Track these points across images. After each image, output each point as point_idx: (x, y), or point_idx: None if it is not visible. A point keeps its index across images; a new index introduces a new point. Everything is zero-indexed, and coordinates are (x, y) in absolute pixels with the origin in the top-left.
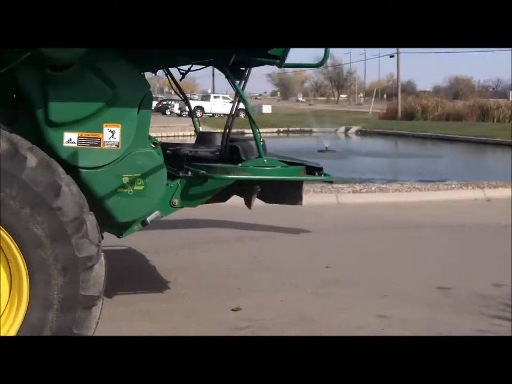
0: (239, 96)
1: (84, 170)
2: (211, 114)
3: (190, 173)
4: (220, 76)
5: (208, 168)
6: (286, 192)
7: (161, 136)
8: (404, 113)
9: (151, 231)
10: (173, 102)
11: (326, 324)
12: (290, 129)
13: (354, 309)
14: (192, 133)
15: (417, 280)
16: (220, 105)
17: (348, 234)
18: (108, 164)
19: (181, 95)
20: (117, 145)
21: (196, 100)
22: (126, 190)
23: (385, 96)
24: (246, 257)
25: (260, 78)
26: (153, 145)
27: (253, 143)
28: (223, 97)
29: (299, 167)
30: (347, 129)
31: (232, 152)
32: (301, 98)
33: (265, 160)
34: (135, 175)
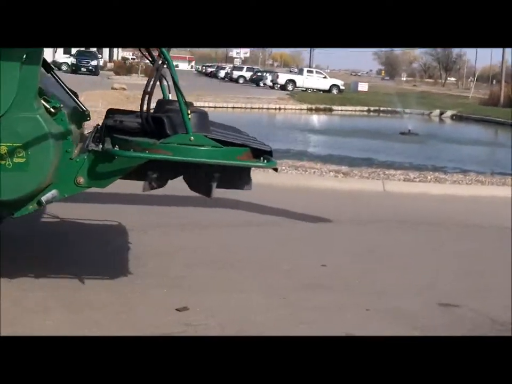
0: (162, 57)
1: None
2: (304, 89)
3: (99, 147)
4: (322, 52)
5: (123, 142)
6: (228, 176)
7: (245, 108)
8: (507, 99)
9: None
10: (266, 74)
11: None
12: (382, 108)
13: (318, 325)
14: (277, 106)
15: (419, 293)
16: (313, 80)
17: (366, 228)
18: None
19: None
20: None
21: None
22: (4, 162)
23: (494, 81)
24: (234, 245)
25: (367, 56)
26: (52, 110)
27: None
28: (317, 72)
29: (237, 149)
30: (441, 113)
31: (157, 124)
32: (404, 78)
33: (191, 138)
34: (14, 144)
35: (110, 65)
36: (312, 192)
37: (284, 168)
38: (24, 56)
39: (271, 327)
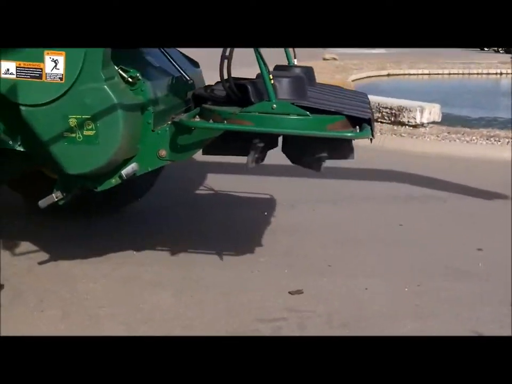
0: None
1: (24, 108)
2: None
3: (178, 117)
4: None
5: (206, 112)
6: (330, 144)
7: (463, 74)
8: None
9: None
10: None
11: None
12: None
13: (444, 320)
14: (498, 71)
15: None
16: None
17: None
18: (51, 101)
19: None
20: (61, 78)
21: None
22: (73, 135)
23: None
24: (382, 222)
25: None
26: (130, 79)
27: (276, 81)
28: None
29: (328, 117)
30: None
31: (242, 92)
32: None
33: (274, 105)
34: (83, 116)
35: None
36: (495, 164)
37: (474, 138)
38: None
39: (383, 320)
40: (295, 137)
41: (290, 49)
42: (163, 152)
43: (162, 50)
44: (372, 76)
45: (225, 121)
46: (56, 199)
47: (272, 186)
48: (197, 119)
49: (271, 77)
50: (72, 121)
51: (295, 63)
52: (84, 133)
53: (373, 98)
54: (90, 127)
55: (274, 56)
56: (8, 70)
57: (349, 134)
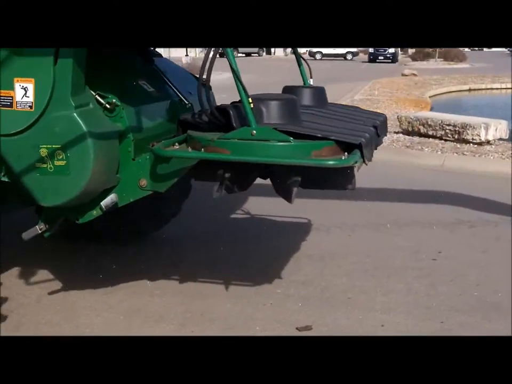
0: None
1: None
2: None
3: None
4: None
5: (188, 138)
6: (327, 175)
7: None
8: None
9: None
10: None
11: None
12: None
13: None
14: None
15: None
16: None
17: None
18: (22, 131)
19: None
20: (30, 107)
21: None
22: (45, 166)
23: None
24: (422, 248)
25: None
26: (107, 106)
27: (262, 105)
28: None
29: (314, 143)
30: None
31: (224, 117)
32: None
33: (253, 132)
34: (54, 146)
35: (411, 51)
36: None
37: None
38: (56, 49)
39: None
40: (271, 166)
41: (307, 69)
42: (143, 182)
43: (162, 73)
44: (453, 91)
45: (203, 149)
46: (40, 231)
47: (313, 209)
48: (176, 146)
49: (251, 101)
50: (43, 151)
51: (311, 83)
52: (55, 163)
53: (436, 115)
54: (61, 157)
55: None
56: None
57: (330, 162)
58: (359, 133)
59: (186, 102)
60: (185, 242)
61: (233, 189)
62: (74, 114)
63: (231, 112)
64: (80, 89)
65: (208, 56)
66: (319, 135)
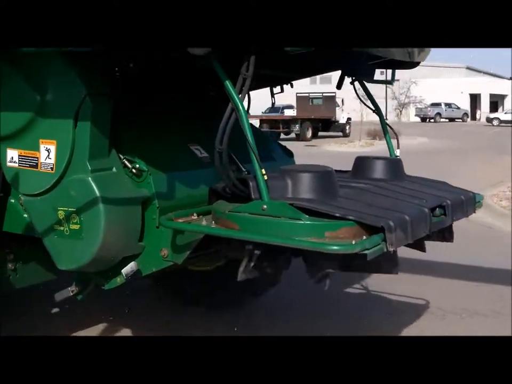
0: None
1: (23, 198)
2: None
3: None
4: None
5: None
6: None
7: None
8: None
9: None
10: None
11: None
12: None
13: None
14: None
15: None
16: None
17: None
18: (44, 192)
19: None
20: (52, 168)
21: None
22: (62, 228)
23: None
24: None
25: None
26: (134, 171)
27: (288, 177)
28: None
29: (330, 222)
30: None
31: (245, 187)
32: None
33: (264, 206)
34: (70, 209)
35: None
36: None
37: None
38: (76, 112)
39: None
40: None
41: (394, 141)
42: (164, 252)
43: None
44: None
45: (213, 222)
46: (71, 293)
47: (434, 289)
48: (193, 217)
49: (264, 172)
50: (61, 214)
51: (398, 153)
52: (71, 227)
53: None
54: (75, 220)
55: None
56: (12, 158)
57: (333, 247)
58: (394, 214)
59: (244, 170)
60: (279, 313)
61: (265, 269)
62: (89, 178)
63: (251, 183)
64: (101, 153)
65: (228, 120)
66: (336, 214)
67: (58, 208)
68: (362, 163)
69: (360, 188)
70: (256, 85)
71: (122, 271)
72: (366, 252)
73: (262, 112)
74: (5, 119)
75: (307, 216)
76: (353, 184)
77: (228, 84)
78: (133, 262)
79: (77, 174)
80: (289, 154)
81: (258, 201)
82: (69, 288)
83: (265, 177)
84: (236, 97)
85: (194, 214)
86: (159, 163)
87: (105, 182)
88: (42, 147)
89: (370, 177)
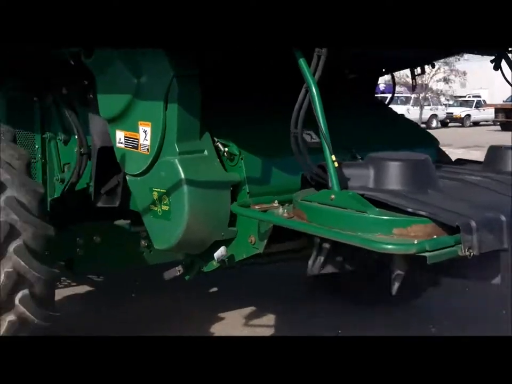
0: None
1: (128, 177)
2: None
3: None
4: None
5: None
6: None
7: None
8: None
9: None
10: None
11: None
12: None
13: None
14: None
15: None
16: None
17: None
18: (141, 173)
19: None
20: (148, 150)
21: None
22: (156, 209)
23: None
24: None
25: None
26: (225, 155)
27: (372, 165)
28: None
29: (401, 218)
30: None
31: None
32: None
33: (332, 196)
34: (161, 190)
35: None
36: None
37: None
38: (166, 94)
39: None
40: None
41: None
42: (252, 239)
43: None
44: None
45: (286, 211)
46: (178, 273)
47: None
48: (275, 204)
49: (334, 159)
50: (155, 194)
51: None
52: (162, 208)
53: None
54: (165, 201)
55: None
56: (120, 139)
57: (388, 246)
58: (484, 212)
59: (358, 157)
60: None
61: (340, 267)
62: (176, 160)
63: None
64: (191, 135)
65: (303, 102)
66: (408, 209)
67: (153, 189)
68: (494, 152)
69: (467, 181)
70: (393, 67)
71: (214, 255)
72: (425, 254)
73: (503, 101)
74: (111, 101)
75: (377, 209)
76: (461, 176)
77: (302, 62)
78: (223, 246)
79: (167, 155)
80: (430, 142)
81: (328, 190)
82: (176, 268)
83: (336, 164)
84: (309, 76)
85: (275, 202)
86: (254, 148)
87: (193, 164)
88: (140, 128)
89: (498, 170)
